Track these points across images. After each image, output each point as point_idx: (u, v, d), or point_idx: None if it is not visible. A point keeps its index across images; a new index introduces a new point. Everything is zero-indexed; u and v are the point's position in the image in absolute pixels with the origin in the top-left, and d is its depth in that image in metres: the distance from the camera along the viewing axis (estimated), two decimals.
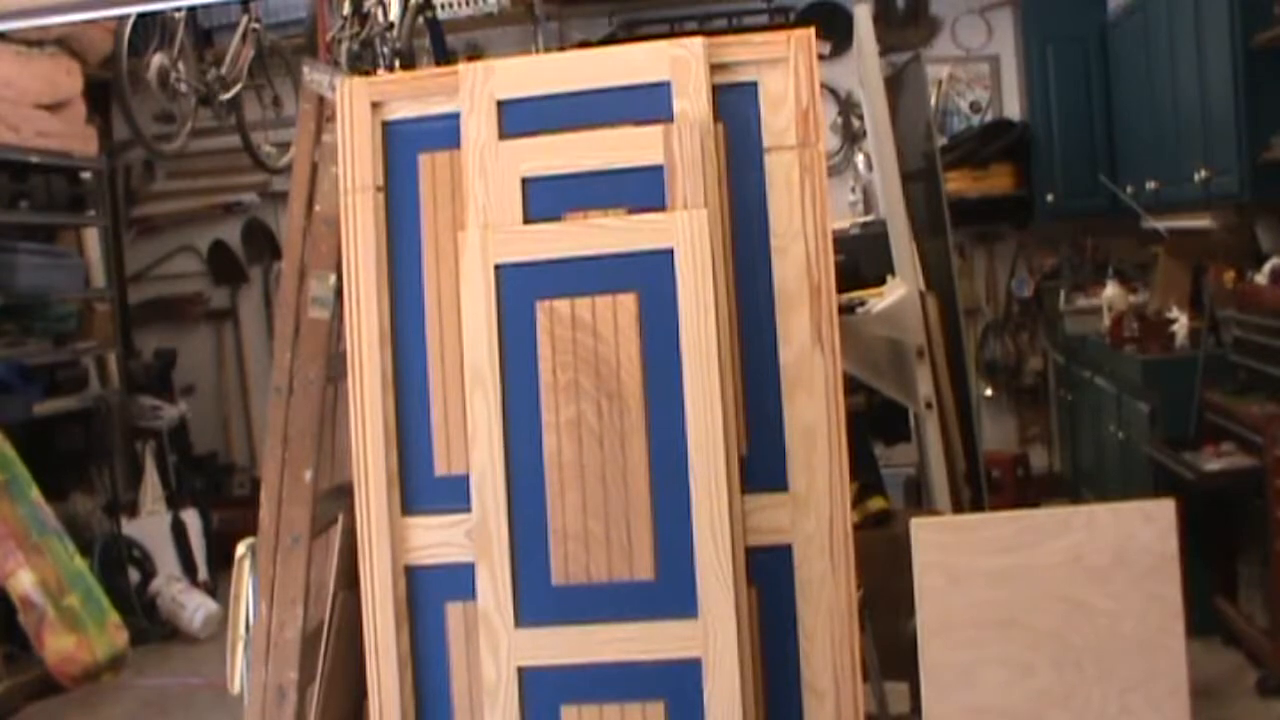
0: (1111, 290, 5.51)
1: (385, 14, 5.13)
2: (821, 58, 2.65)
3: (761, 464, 2.50)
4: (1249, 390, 4.16)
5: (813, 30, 2.56)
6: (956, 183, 6.17)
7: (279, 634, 2.74)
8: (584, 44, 6.53)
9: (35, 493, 5.06)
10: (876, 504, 3.69)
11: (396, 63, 5.05)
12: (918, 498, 4.80)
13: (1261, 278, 4.32)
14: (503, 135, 2.58)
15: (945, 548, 2.51)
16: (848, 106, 6.62)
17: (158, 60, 4.73)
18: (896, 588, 2.69)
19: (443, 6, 6.25)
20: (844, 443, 2.49)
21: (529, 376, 2.51)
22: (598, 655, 2.48)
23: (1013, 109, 6.61)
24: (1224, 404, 4.22)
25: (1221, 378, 4.34)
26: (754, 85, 2.55)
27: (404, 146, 2.67)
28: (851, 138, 6.67)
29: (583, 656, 2.48)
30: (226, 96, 5.18)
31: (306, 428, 2.79)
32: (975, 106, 6.66)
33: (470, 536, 2.54)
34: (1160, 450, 4.39)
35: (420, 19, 5.36)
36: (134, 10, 4.41)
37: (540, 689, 2.49)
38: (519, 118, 2.59)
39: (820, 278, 2.50)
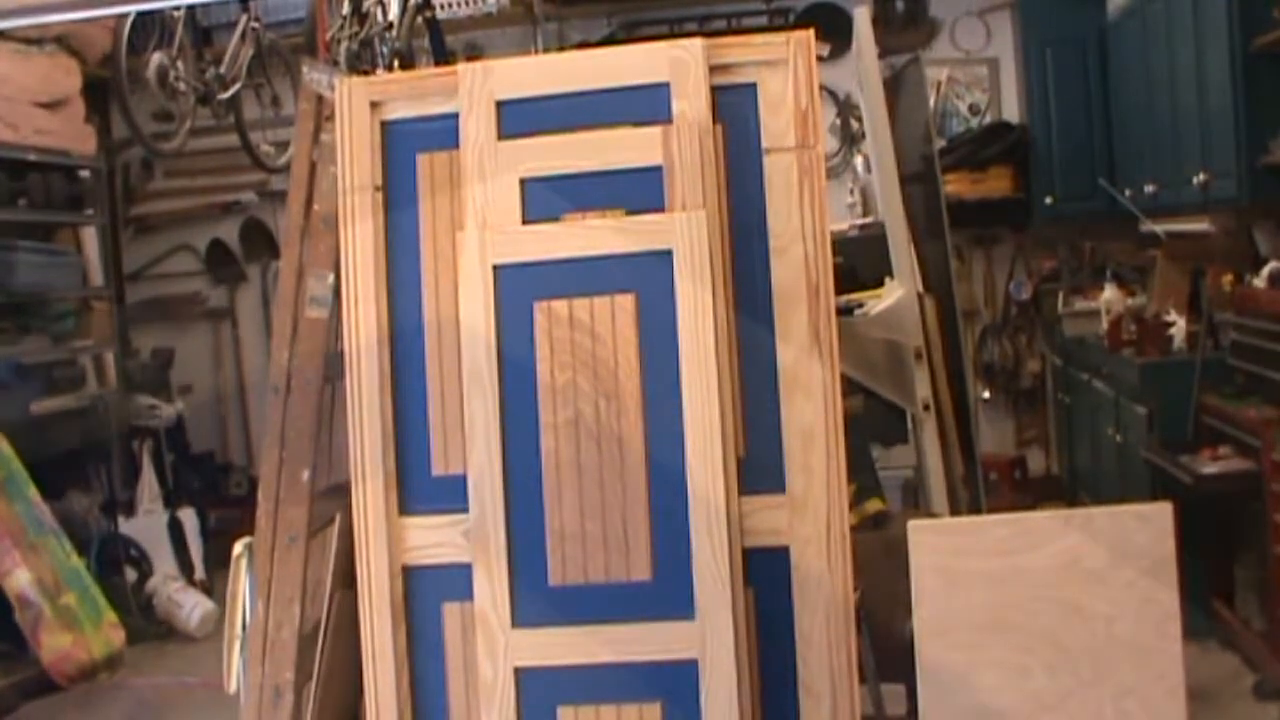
0: (1109, 293, 5.52)
1: (384, 14, 5.14)
2: (820, 59, 2.65)
3: (759, 465, 2.50)
4: (1246, 394, 4.17)
5: (812, 32, 2.56)
6: (955, 185, 6.17)
7: (276, 633, 2.73)
8: (583, 44, 6.53)
9: (32, 491, 5.06)
10: (874, 506, 3.68)
11: (395, 62, 5.05)
12: (915, 500, 4.81)
13: (1259, 281, 4.32)
14: (501, 136, 2.58)
15: (942, 550, 2.51)
16: (846, 108, 6.63)
17: (157, 59, 4.73)
18: (894, 590, 2.69)
19: (442, 6, 6.25)
20: (842, 444, 2.49)
21: (527, 377, 2.51)
22: (595, 656, 2.48)
23: (1011, 111, 6.61)
24: (1221, 407, 4.22)
25: (1219, 381, 4.35)
26: (753, 87, 2.55)
27: (403, 146, 2.67)
28: (850, 139, 6.67)
29: (580, 657, 2.48)
30: (225, 95, 5.18)
31: (304, 427, 2.79)
32: (974, 109, 6.67)
33: (468, 537, 2.53)
34: (1157, 453, 4.40)
35: (419, 19, 5.36)
36: (133, 9, 4.41)
37: (537, 689, 2.49)
38: (518, 118, 2.59)
39: (818, 279, 2.50)
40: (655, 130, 2.51)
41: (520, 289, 2.53)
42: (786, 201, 2.52)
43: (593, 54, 2.73)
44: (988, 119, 6.63)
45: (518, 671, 2.49)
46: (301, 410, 2.80)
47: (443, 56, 5.46)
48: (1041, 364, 6.67)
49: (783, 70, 2.54)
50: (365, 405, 2.61)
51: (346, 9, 4.95)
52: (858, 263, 4.54)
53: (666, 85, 2.54)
